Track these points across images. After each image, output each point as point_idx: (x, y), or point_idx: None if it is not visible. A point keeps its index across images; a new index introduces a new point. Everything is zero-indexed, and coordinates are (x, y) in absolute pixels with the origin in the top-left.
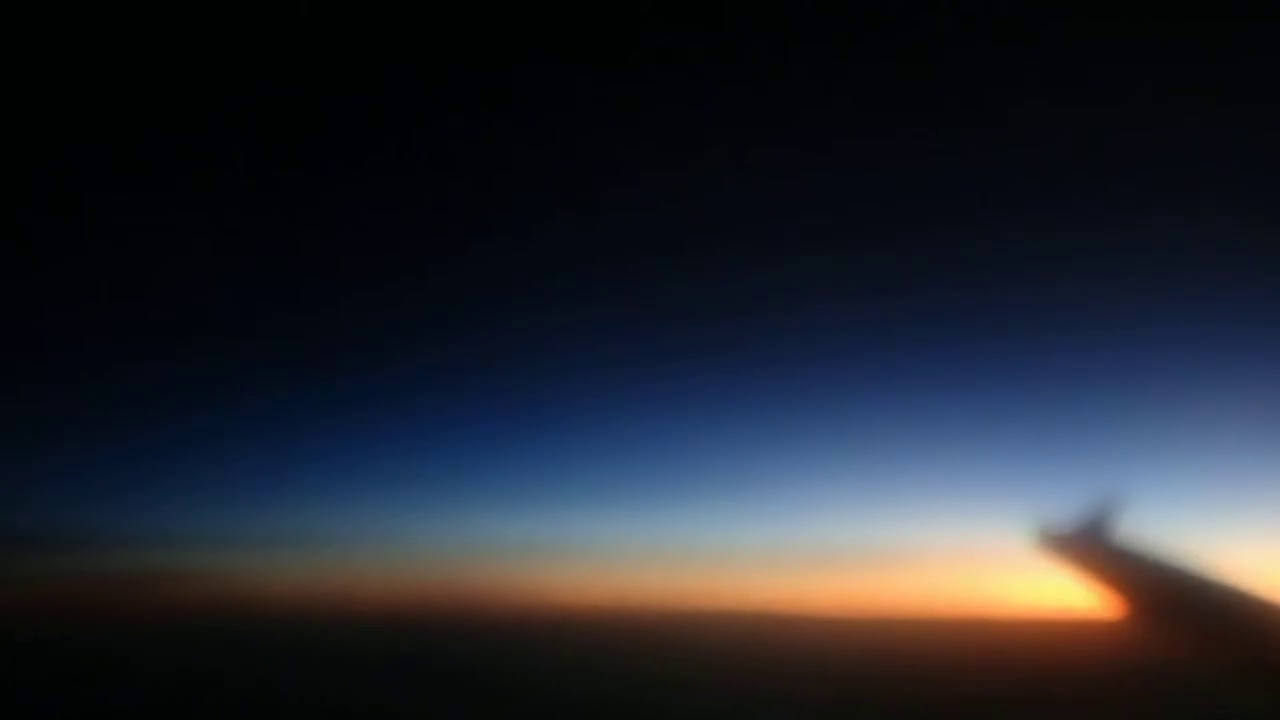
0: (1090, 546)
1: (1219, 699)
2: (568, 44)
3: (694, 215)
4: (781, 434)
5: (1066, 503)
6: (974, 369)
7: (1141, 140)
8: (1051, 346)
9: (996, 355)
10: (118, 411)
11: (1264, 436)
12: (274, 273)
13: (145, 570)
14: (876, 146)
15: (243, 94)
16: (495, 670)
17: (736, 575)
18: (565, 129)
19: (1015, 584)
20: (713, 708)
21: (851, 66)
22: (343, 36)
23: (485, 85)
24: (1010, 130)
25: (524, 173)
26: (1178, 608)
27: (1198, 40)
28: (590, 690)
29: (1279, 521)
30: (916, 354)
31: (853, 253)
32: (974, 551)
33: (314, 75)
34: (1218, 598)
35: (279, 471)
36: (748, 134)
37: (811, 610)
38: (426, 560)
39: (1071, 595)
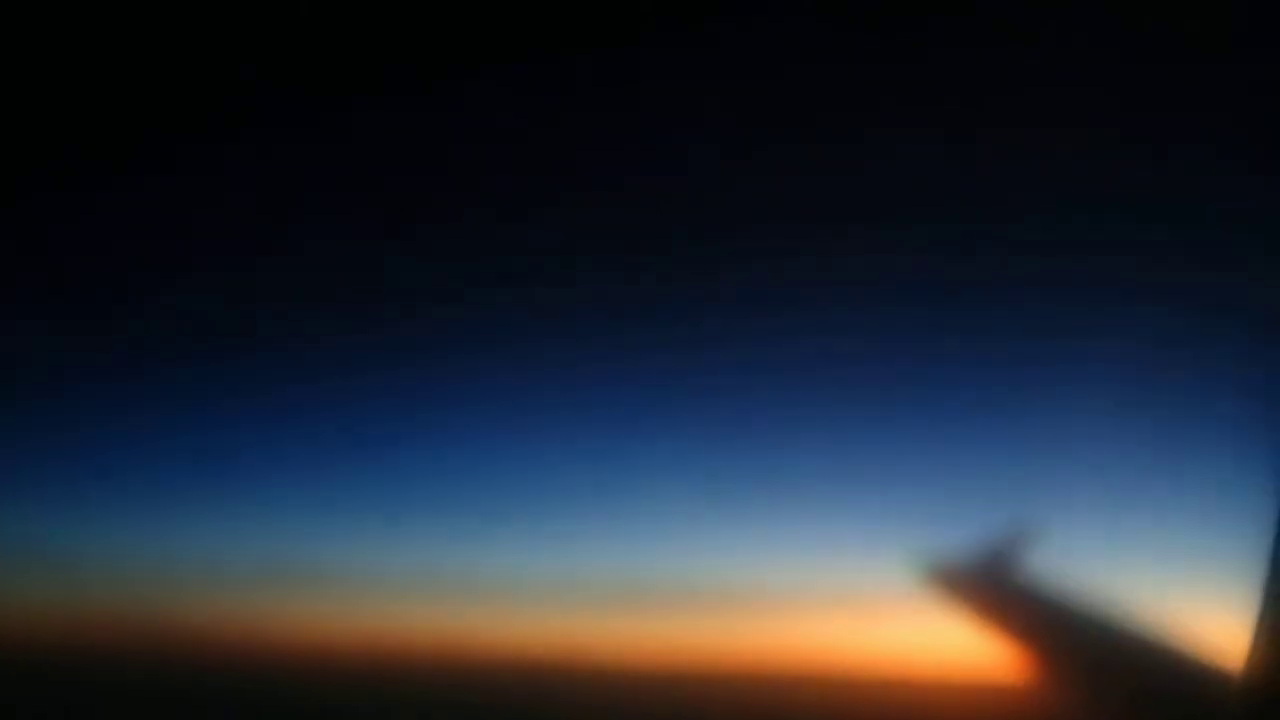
0: (990, 587)
1: None
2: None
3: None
4: (588, 439)
5: (962, 531)
6: (844, 361)
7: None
8: (943, 331)
9: (873, 344)
10: None
11: (1199, 450)
12: None
13: None
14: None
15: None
16: None
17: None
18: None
19: (894, 633)
20: None
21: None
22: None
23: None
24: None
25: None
26: (1097, 667)
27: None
28: None
29: (1212, 549)
30: (775, 343)
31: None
32: (844, 591)
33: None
34: (1147, 657)
35: None
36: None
37: (627, 663)
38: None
39: (965, 649)
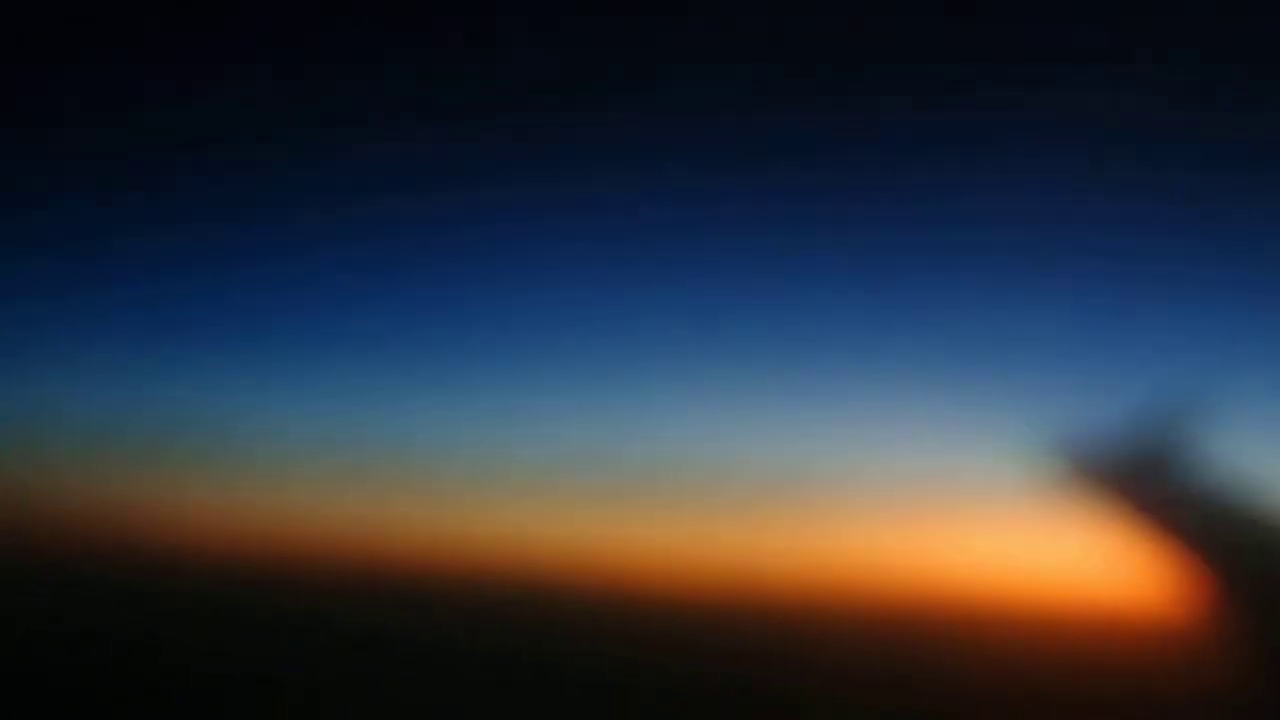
0: (1140, 487)
1: None
2: None
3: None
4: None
5: (1100, 415)
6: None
7: None
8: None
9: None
10: None
11: None
12: None
13: None
14: None
15: None
16: None
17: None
18: None
19: (1014, 544)
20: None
21: None
22: None
23: None
24: None
25: None
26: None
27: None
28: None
29: None
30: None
31: None
32: (951, 492)
33: None
34: None
35: None
36: None
37: (684, 585)
38: None
39: (1102, 564)
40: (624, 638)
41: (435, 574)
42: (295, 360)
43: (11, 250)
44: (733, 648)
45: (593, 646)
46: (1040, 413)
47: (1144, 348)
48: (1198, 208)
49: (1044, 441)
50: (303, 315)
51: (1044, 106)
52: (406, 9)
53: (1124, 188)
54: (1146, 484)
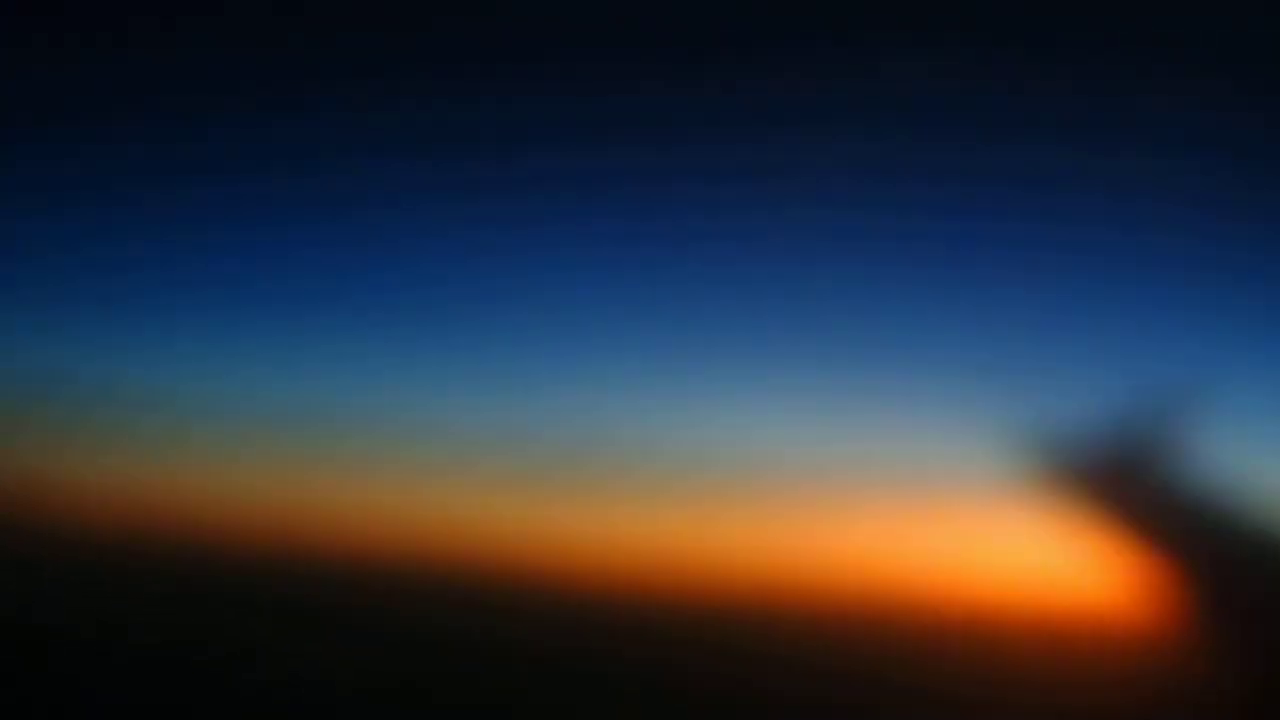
0: (1124, 486)
1: None
2: None
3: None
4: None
5: (1084, 411)
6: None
7: None
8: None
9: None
10: None
11: None
12: None
13: None
14: None
15: None
16: None
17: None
18: None
19: (994, 543)
20: None
21: None
22: None
23: None
24: None
25: None
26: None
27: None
28: None
29: None
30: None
31: None
32: (928, 488)
33: None
34: None
35: None
36: None
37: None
38: None
39: (1084, 564)
40: (586, 628)
41: (386, 556)
42: (230, 333)
43: None
44: (699, 642)
45: (551, 635)
46: (1022, 408)
47: (1131, 343)
48: (1188, 201)
49: (1026, 438)
50: (248, 283)
51: (1047, 94)
52: None
53: (1110, 178)
54: (1131, 483)
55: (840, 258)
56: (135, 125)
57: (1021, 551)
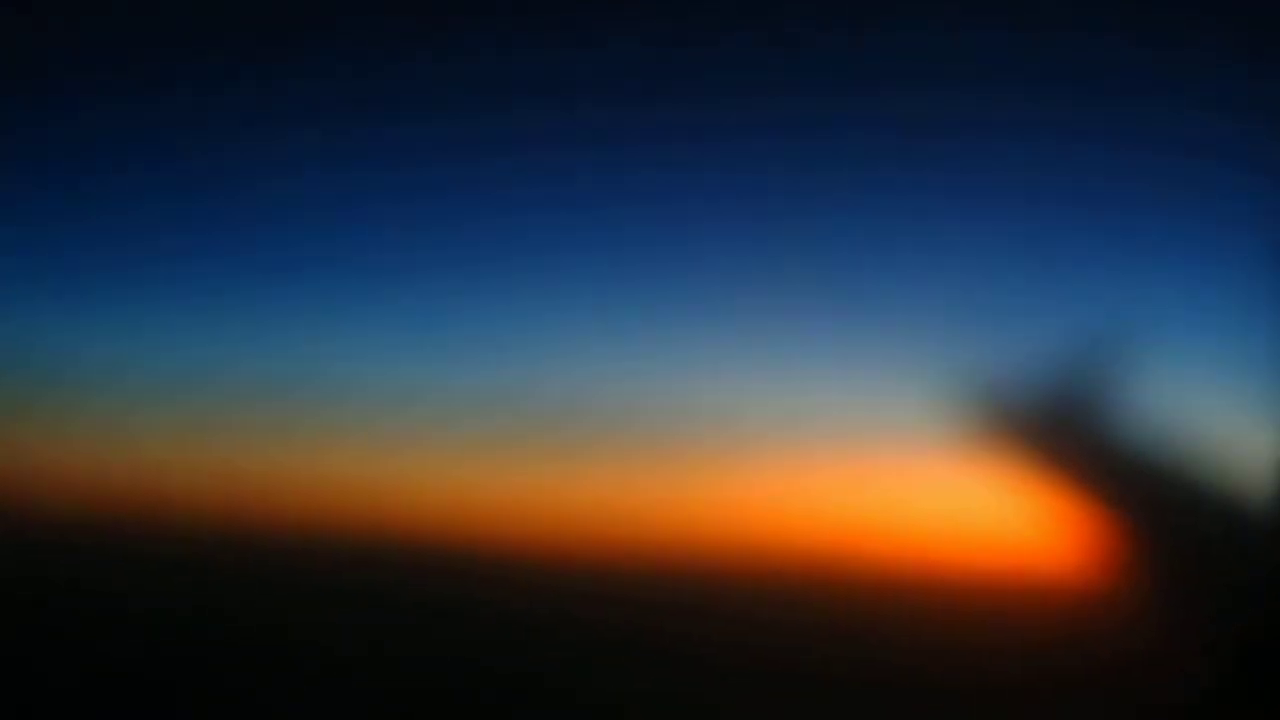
0: (1062, 437)
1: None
2: None
3: None
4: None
5: (1020, 356)
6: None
7: None
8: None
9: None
10: None
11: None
12: None
13: None
14: None
15: None
16: None
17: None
18: None
19: (927, 497)
20: None
21: None
22: None
23: None
24: None
25: None
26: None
27: None
28: None
29: None
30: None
31: None
32: (860, 440)
33: None
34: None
35: None
36: None
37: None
38: None
39: (1020, 519)
40: (513, 590)
41: (364, 527)
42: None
43: None
44: (624, 601)
45: (527, 600)
46: (959, 359)
47: (1071, 290)
48: (1127, 145)
49: (963, 390)
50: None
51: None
52: None
53: (1042, 124)
54: (1069, 433)
55: (778, 213)
56: (88, 96)
57: (960, 506)
